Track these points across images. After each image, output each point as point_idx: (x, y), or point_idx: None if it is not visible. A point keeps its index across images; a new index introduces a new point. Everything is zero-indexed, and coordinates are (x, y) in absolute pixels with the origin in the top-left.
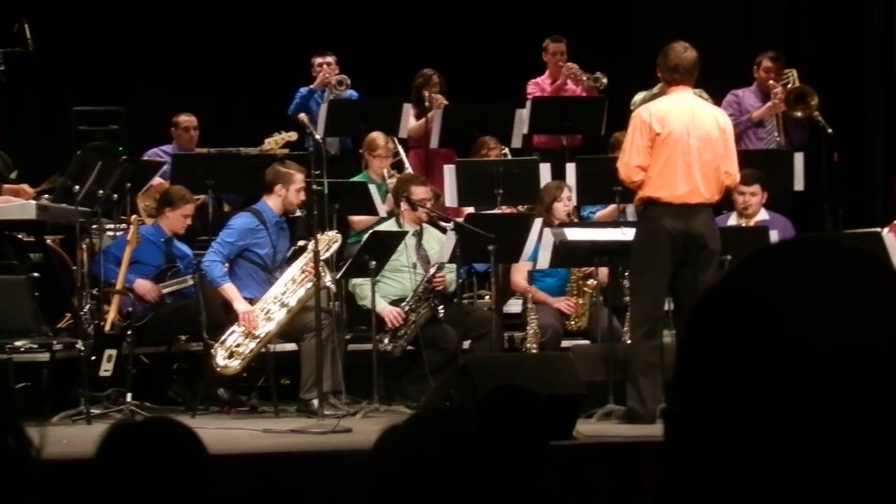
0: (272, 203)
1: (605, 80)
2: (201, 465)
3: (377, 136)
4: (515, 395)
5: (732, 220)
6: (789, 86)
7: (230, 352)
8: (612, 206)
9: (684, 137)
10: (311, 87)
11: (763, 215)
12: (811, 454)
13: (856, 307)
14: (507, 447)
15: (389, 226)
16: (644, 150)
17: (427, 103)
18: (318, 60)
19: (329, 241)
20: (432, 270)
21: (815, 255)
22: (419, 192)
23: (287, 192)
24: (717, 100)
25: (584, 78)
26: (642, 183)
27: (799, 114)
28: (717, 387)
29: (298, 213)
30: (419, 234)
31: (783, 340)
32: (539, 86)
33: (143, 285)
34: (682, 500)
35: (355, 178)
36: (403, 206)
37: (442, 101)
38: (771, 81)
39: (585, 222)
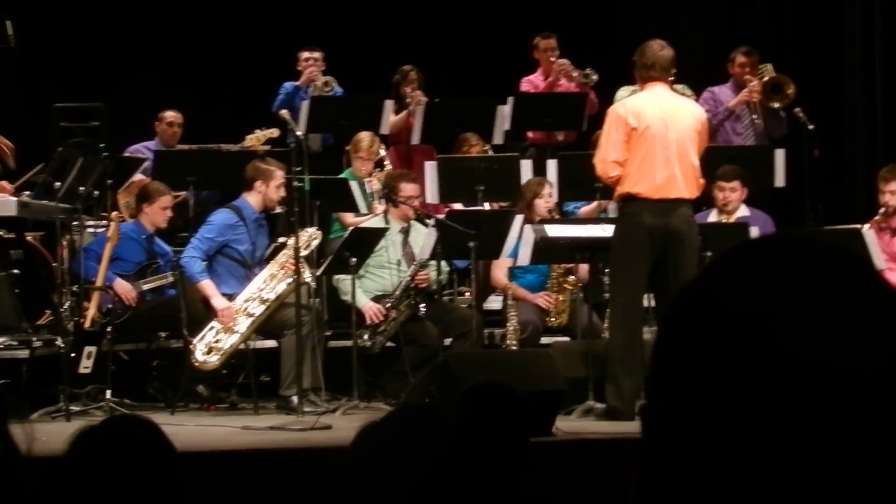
0: (252, 199)
1: (595, 77)
2: (166, 459)
3: (363, 138)
4: (498, 392)
5: (713, 216)
6: (765, 80)
7: (209, 347)
8: (594, 204)
9: (662, 131)
10: (297, 83)
11: (743, 211)
12: (787, 451)
13: (835, 304)
14: (488, 444)
15: (377, 222)
16: (620, 145)
17: (407, 100)
18: (306, 55)
19: (309, 237)
20: (414, 268)
21: (794, 251)
22: (408, 188)
23: (267, 189)
24: (698, 96)
25: (575, 74)
26: (619, 179)
27: (776, 104)
28: (693, 383)
29: (278, 210)
30: (406, 231)
31: (761, 337)
32: (532, 83)
33: (122, 286)
34: (658, 497)
35: (340, 176)
36: (390, 202)
37: (421, 97)
38: (747, 76)
39: (566, 219)
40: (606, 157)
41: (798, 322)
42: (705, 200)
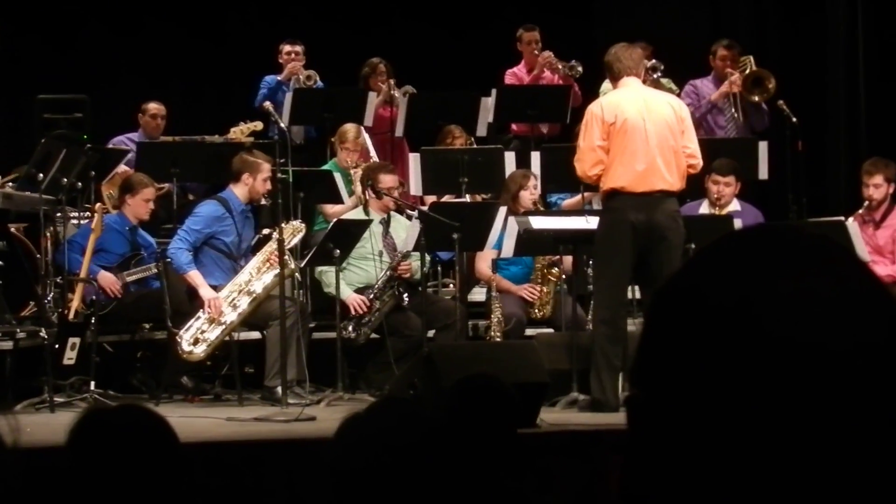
0: (238, 191)
1: (580, 69)
2: (173, 453)
3: (349, 129)
4: (487, 384)
5: (704, 208)
6: (746, 72)
7: (195, 338)
8: (577, 197)
9: (640, 123)
10: (280, 78)
11: (735, 205)
12: (772, 439)
13: (820, 294)
14: (477, 436)
15: (356, 214)
16: (599, 143)
17: (393, 92)
18: (287, 48)
19: (294, 230)
20: (397, 258)
21: (779, 242)
22: (387, 180)
23: (254, 181)
24: (681, 91)
25: (560, 66)
26: (600, 177)
27: (757, 98)
28: (678, 371)
29: (264, 202)
30: (386, 222)
31: (747, 327)
32: (516, 76)
33: (107, 278)
34: (643, 487)
35: (324, 167)
36: (370, 193)
37: (395, 89)
38: (728, 69)
39: (550, 211)
40: (586, 159)
41: (788, 308)
42: (697, 191)
